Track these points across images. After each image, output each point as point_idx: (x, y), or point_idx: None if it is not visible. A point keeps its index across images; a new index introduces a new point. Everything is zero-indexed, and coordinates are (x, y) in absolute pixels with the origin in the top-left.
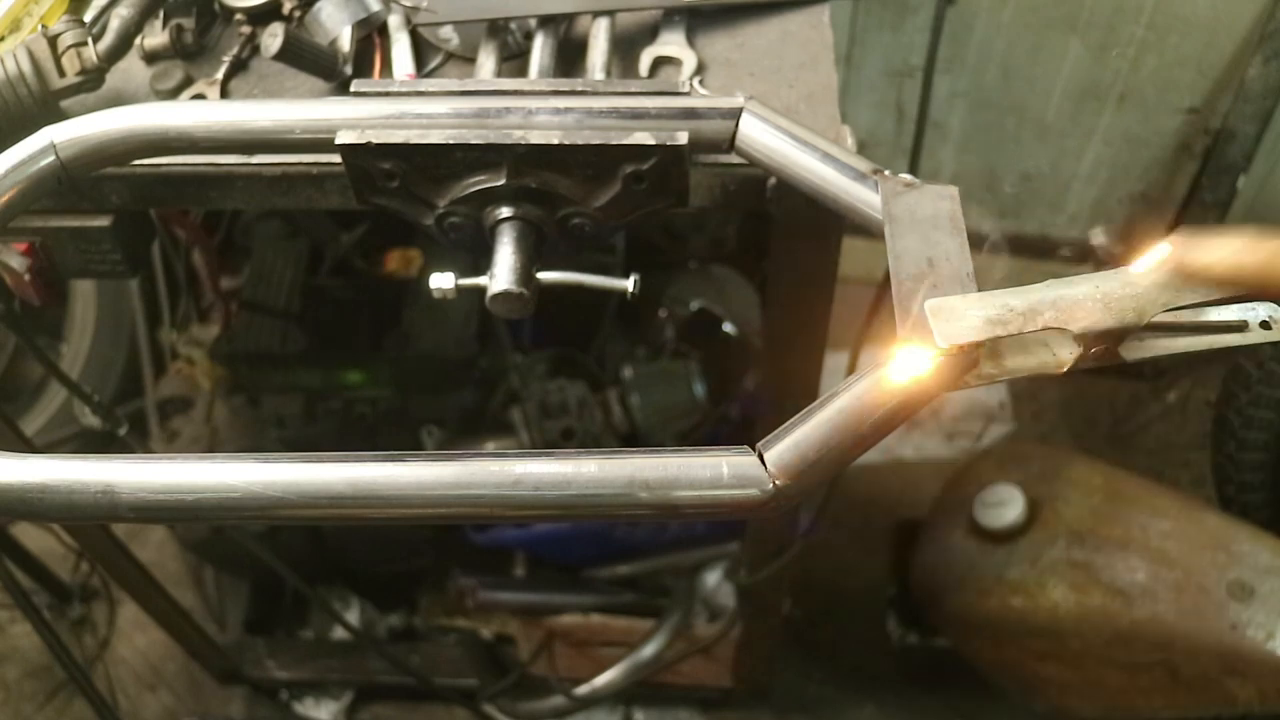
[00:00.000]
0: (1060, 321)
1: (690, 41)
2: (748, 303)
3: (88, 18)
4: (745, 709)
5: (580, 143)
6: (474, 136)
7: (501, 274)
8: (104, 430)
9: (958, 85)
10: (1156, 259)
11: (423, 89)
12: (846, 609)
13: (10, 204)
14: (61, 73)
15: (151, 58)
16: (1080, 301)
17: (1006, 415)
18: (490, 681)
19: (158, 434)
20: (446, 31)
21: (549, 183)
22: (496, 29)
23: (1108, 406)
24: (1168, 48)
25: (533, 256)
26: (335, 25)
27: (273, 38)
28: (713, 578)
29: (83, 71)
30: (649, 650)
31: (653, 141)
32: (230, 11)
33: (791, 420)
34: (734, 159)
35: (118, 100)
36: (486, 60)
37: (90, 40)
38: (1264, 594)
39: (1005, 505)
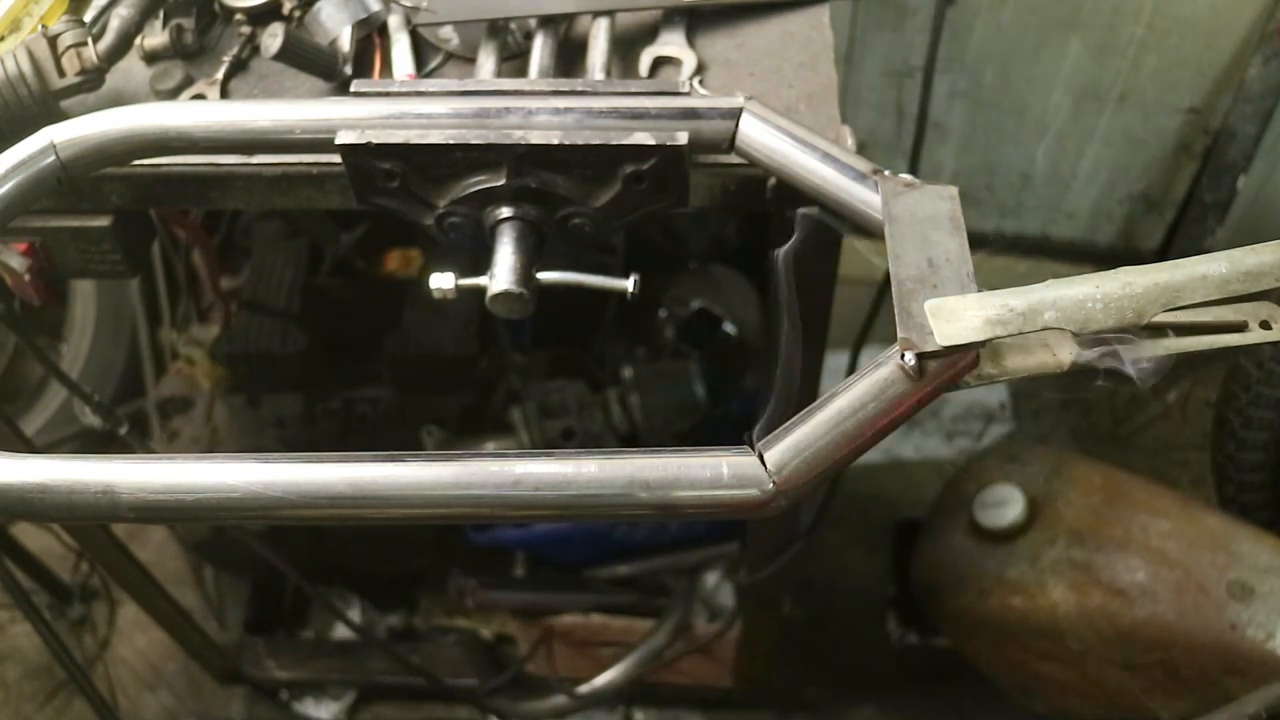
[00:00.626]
0: (1060, 321)
1: (690, 41)
2: (748, 303)
3: (88, 18)
4: (745, 709)
5: (580, 143)
6: (474, 136)
7: (501, 274)
8: (104, 430)
9: (958, 85)
10: None
11: (423, 89)
12: (846, 609)
13: (10, 204)
14: (61, 73)
15: (151, 58)
16: (1080, 301)
17: (1006, 415)
18: (490, 681)
19: (158, 434)
20: (446, 31)
21: (549, 183)
22: (496, 29)
23: (1108, 406)
24: (1168, 48)
25: (533, 256)
26: (335, 25)
27: (273, 38)
28: (713, 578)
29: (83, 71)
30: (649, 650)
31: (653, 141)
32: (230, 11)
33: (791, 420)
34: (734, 159)
35: (118, 100)
36: (486, 60)
37: (90, 40)
38: (1264, 594)
39: (1005, 505)
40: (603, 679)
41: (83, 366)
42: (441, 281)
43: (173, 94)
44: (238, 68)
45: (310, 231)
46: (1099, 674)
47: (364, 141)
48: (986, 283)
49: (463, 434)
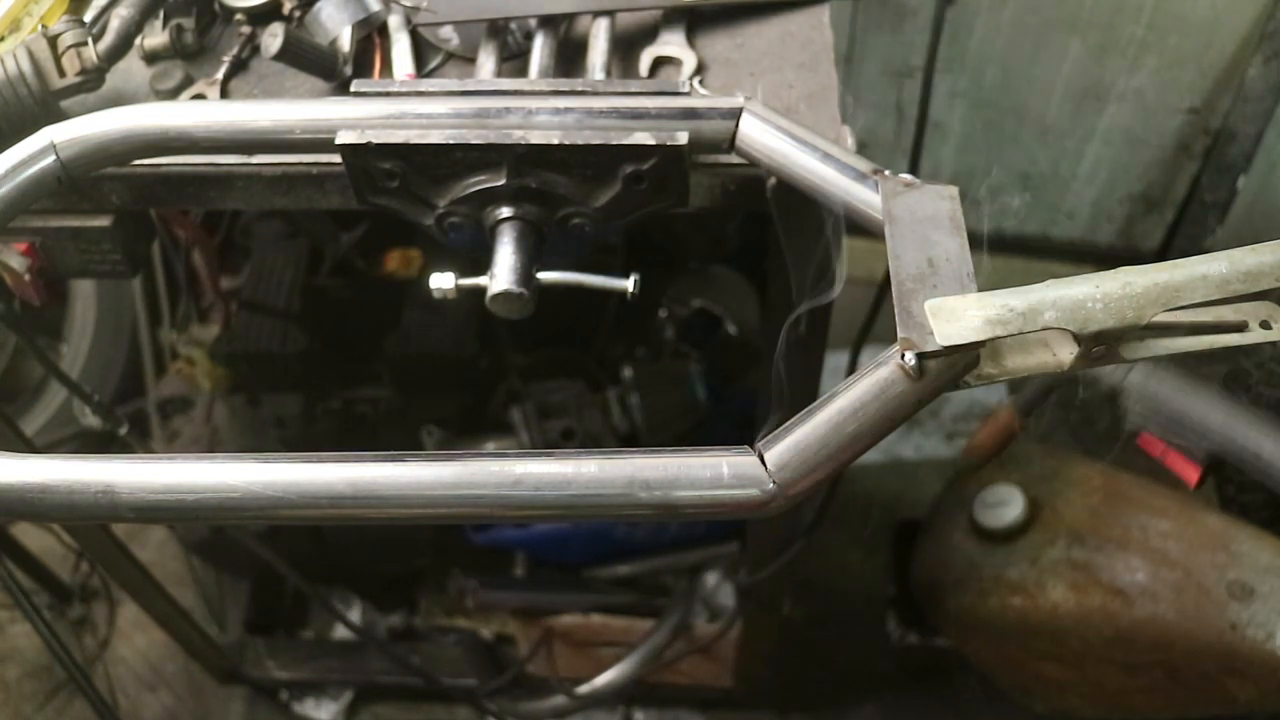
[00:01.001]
0: (1060, 321)
1: (690, 41)
2: (748, 303)
3: (88, 18)
4: (745, 709)
5: (580, 143)
6: (474, 136)
7: (501, 274)
8: (104, 430)
9: (958, 85)
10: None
11: (423, 89)
12: (846, 609)
13: (10, 204)
14: (61, 73)
15: (151, 58)
16: (1080, 301)
17: None
18: (490, 681)
19: (158, 434)
20: (446, 31)
21: (549, 183)
22: (496, 29)
23: (1108, 407)
24: (1168, 48)
25: (533, 256)
26: (335, 25)
27: (273, 38)
28: (713, 578)
29: (83, 71)
30: (649, 650)
31: (653, 141)
32: (230, 11)
33: (791, 420)
34: (734, 159)
35: (118, 100)
36: (486, 60)
37: (90, 40)
38: (1264, 594)
39: (1005, 505)
40: (603, 679)
41: (83, 366)
42: (441, 281)
43: (173, 94)
44: (238, 68)
45: (310, 231)
46: (1099, 674)
47: (364, 141)
48: (986, 283)
49: (463, 434)
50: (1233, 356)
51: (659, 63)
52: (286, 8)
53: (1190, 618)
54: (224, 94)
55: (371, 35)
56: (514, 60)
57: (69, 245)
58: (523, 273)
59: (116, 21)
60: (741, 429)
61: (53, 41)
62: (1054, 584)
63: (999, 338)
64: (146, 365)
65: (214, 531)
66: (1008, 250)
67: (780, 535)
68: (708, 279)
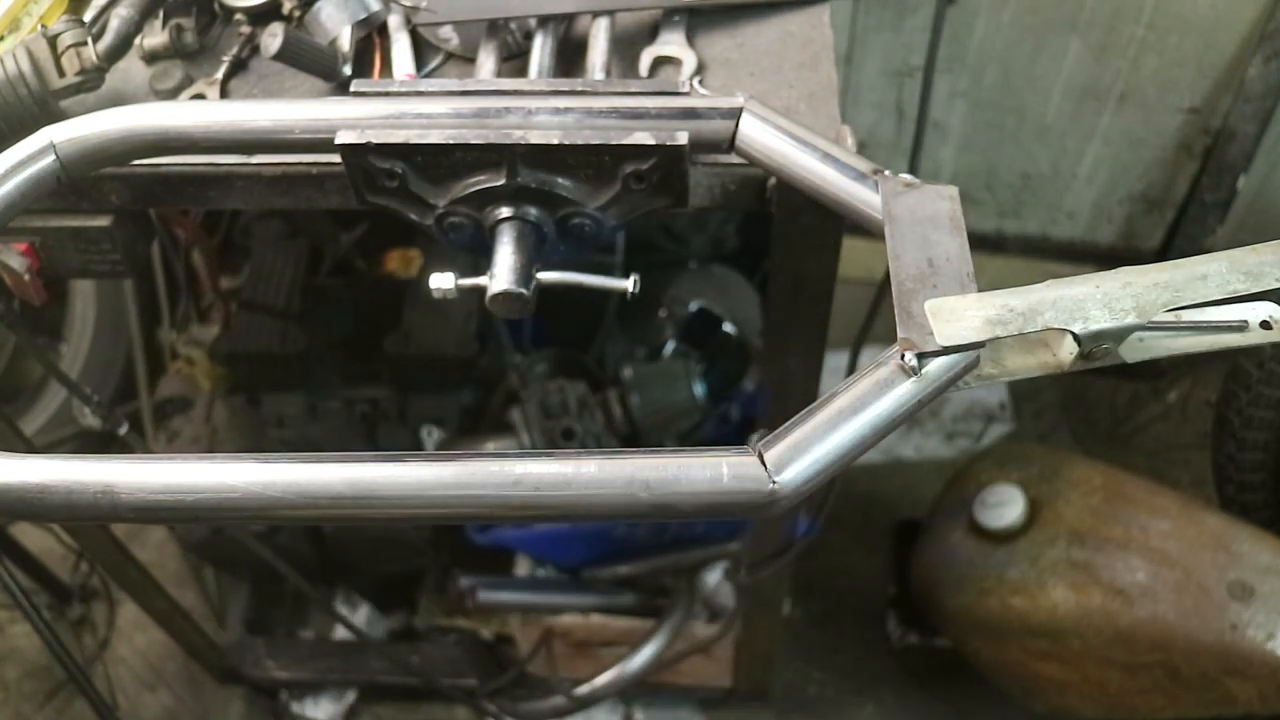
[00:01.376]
0: (1060, 321)
1: (690, 41)
2: (748, 303)
3: (88, 18)
4: (745, 709)
5: (580, 143)
6: (474, 136)
7: (501, 274)
8: (104, 430)
9: (958, 85)
10: None
11: (423, 89)
12: (846, 609)
13: (10, 204)
14: (61, 73)
15: (151, 58)
16: (1080, 301)
17: (1006, 415)
18: (490, 681)
19: (157, 434)
20: (446, 31)
21: (549, 183)
22: (496, 29)
23: (1108, 406)
24: (1168, 48)
25: (533, 256)
26: (335, 25)
27: (273, 38)
28: (713, 578)
29: (83, 71)
30: (649, 650)
31: (653, 141)
32: (230, 11)
33: (791, 420)
34: (734, 159)
35: (118, 100)
36: (486, 60)
37: (90, 40)
38: (1264, 594)
39: (1005, 505)
40: (603, 679)
41: (83, 366)
42: (441, 281)
43: (173, 94)
44: (238, 68)
45: (310, 231)
46: (1099, 674)
47: (364, 141)
48: (986, 283)
49: (463, 434)
50: (1233, 356)
51: (659, 63)
52: (286, 8)
53: (1190, 618)
54: (224, 94)
55: (371, 35)
56: (514, 60)
57: (69, 245)
58: (523, 273)
59: (116, 21)
60: (741, 429)
61: (52, 41)
62: (1054, 584)
63: (999, 338)
64: (139, 366)
65: (214, 531)
66: (1008, 250)
67: (780, 535)
68: (708, 279)
